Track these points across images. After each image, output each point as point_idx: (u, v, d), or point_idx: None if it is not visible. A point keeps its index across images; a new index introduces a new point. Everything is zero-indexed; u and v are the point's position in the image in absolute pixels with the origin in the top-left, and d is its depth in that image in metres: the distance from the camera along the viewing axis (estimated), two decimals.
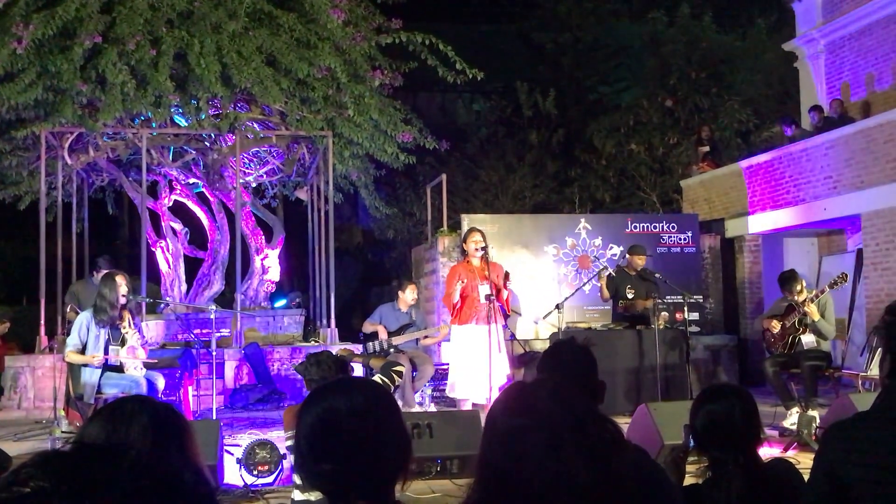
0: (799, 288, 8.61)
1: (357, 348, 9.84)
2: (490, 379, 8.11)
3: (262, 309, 12.62)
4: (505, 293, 8.79)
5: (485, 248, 8.64)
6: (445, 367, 10.28)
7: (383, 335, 9.26)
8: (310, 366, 5.03)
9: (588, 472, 1.69)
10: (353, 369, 5.68)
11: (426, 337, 9.59)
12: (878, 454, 2.32)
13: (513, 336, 10.65)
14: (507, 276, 8.89)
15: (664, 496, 2.19)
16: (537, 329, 11.83)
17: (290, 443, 4.79)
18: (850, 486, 2.35)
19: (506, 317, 9.00)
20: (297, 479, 4.58)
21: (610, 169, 18.15)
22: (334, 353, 5.17)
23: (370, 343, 9.36)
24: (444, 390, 9.80)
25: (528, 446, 1.72)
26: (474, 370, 8.55)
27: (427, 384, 9.43)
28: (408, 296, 9.43)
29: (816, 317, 8.40)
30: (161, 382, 7.66)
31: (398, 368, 8.43)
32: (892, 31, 14.00)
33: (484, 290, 8.54)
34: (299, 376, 5.43)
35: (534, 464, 1.71)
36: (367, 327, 9.52)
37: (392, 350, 9.24)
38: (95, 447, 1.20)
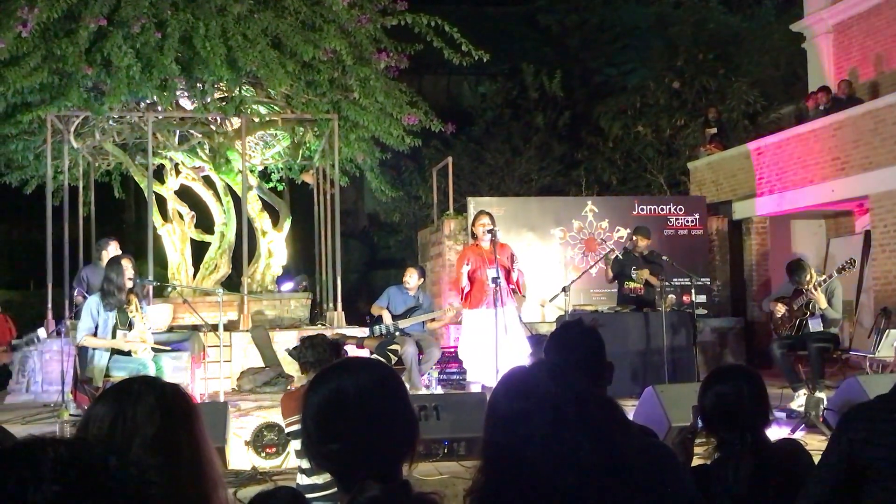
0: (808, 278, 8.57)
1: (364, 331, 9.85)
2: (497, 363, 8.08)
3: (269, 292, 12.65)
4: (515, 274, 8.79)
5: (493, 231, 8.61)
6: (453, 349, 10.30)
7: (388, 319, 9.28)
8: (304, 349, 5.07)
9: (592, 451, 1.69)
10: (346, 352, 5.71)
11: (433, 320, 9.59)
12: None
13: (520, 319, 10.66)
14: (513, 257, 8.90)
15: (672, 476, 2.19)
16: (544, 312, 11.83)
17: (292, 428, 4.79)
18: (868, 467, 2.36)
19: (523, 297, 9.04)
20: (302, 464, 4.58)
21: (617, 151, 18.10)
22: (328, 336, 5.18)
23: (376, 326, 9.37)
24: (448, 373, 9.81)
25: (531, 428, 1.72)
26: (484, 354, 8.54)
27: (434, 367, 9.43)
28: (409, 280, 9.43)
29: (824, 304, 8.37)
30: (169, 365, 7.68)
31: (393, 347, 8.48)
32: None
33: (491, 273, 8.52)
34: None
35: (538, 445, 1.71)
36: (375, 310, 9.52)
37: (398, 333, 9.25)
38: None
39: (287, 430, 4.82)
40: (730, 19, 18.78)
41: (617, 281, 10.31)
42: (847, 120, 11.90)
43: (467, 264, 8.70)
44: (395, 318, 9.34)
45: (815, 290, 8.37)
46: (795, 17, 16.21)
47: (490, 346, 8.35)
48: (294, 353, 5.26)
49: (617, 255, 10.39)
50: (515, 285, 8.86)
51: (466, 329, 8.95)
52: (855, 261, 8.67)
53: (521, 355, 8.37)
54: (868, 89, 14.19)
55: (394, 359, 8.54)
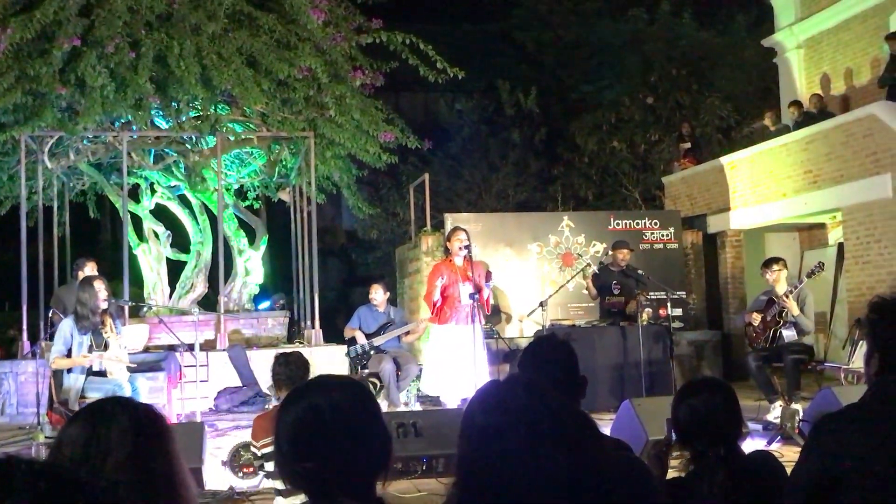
0: (777, 267, 8.62)
1: (342, 349, 9.84)
2: (476, 378, 8.07)
3: (246, 311, 12.59)
4: (486, 292, 8.78)
5: (468, 248, 8.60)
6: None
7: (362, 339, 9.27)
8: (278, 365, 5.09)
9: (567, 467, 1.70)
10: None
11: (407, 334, 9.59)
12: (870, 446, 2.33)
13: (497, 335, 10.66)
14: (488, 274, 8.92)
15: (644, 491, 2.20)
16: (522, 327, 11.85)
17: (267, 450, 4.73)
18: (840, 478, 2.36)
19: (485, 316, 8.99)
20: (276, 485, 4.55)
21: (592, 166, 18.22)
22: (302, 354, 5.21)
23: (352, 348, 9.37)
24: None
25: (505, 443, 1.72)
26: (450, 371, 8.54)
27: (412, 383, 9.43)
28: (377, 296, 9.45)
29: (796, 311, 8.43)
30: (145, 386, 7.63)
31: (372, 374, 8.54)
32: (870, 25, 14.10)
33: (466, 289, 8.53)
34: None
35: (512, 461, 1.71)
36: (347, 332, 9.53)
37: (373, 352, 9.23)
38: None
39: (260, 452, 4.77)
40: (703, 35, 19.00)
41: (599, 296, 10.37)
42: (818, 134, 12.04)
43: (442, 279, 8.69)
44: (368, 336, 9.33)
45: (787, 297, 8.43)
46: (767, 32, 16.43)
47: (459, 364, 8.36)
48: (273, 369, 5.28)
49: (594, 271, 10.44)
50: (484, 303, 8.84)
51: (434, 344, 8.95)
52: (823, 264, 8.74)
53: (483, 375, 8.35)
54: (839, 103, 14.38)
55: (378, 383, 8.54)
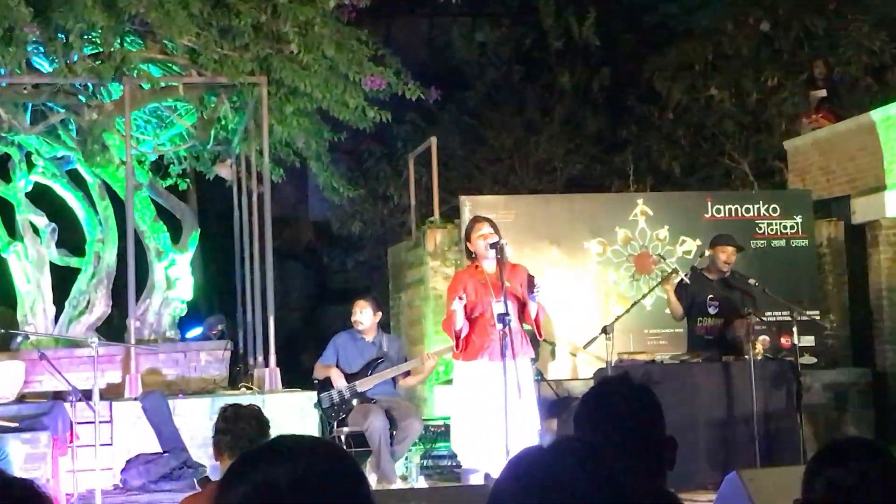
0: None
1: (311, 397, 9.84)
2: (507, 440, 8.03)
3: (169, 341, 12.60)
4: (533, 308, 8.72)
5: (498, 245, 8.53)
6: (442, 424, 10.27)
7: (340, 382, 9.25)
8: (222, 421, 5.09)
9: None
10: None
11: (407, 375, 9.56)
12: None
13: (539, 376, 10.63)
14: (531, 281, 8.78)
15: None
16: (575, 364, 11.82)
17: None
18: None
19: (535, 345, 8.97)
20: None
21: (680, 126, 18.13)
22: (257, 407, 5.22)
23: (325, 395, 9.34)
24: (436, 457, 9.78)
25: None
26: (486, 427, 8.48)
27: (414, 447, 9.41)
28: (363, 318, 9.44)
29: None
30: (19, 452, 7.64)
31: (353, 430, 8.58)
32: None
33: (497, 308, 8.46)
34: None
35: None
36: (319, 371, 9.51)
37: (357, 401, 9.21)
38: None
39: None
40: None
41: (687, 317, 10.34)
42: None
43: (461, 299, 8.59)
44: (350, 377, 9.32)
45: None
46: None
47: (495, 417, 8.29)
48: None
49: (682, 280, 10.39)
50: (533, 325, 8.82)
51: (461, 390, 8.89)
52: None
53: (532, 431, 8.33)
54: None
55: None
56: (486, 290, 8.64)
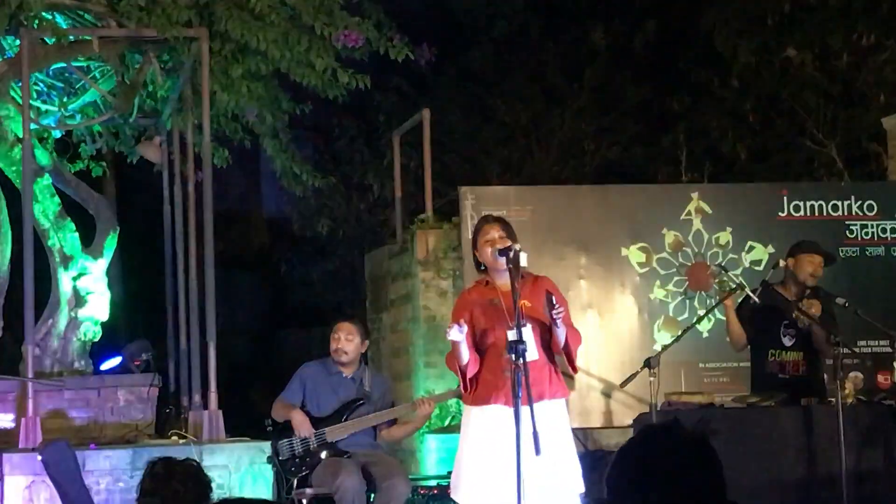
0: None
1: (265, 448, 9.83)
2: None
3: (78, 374, 12.58)
4: (560, 334, 8.50)
5: (511, 252, 8.39)
6: (437, 484, 10.27)
7: (304, 427, 9.23)
8: (148, 480, 5.08)
9: None
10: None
11: (393, 423, 9.54)
12: None
13: None
14: (549, 299, 8.51)
15: None
16: (610, 407, 11.80)
17: None
18: None
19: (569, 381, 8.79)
20: None
21: (748, 97, 18.17)
22: (196, 462, 5.20)
23: (283, 444, 9.32)
24: None
25: None
26: (500, 490, 8.37)
27: None
28: (349, 347, 9.42)
29: None
30: None
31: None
32: None
33: (510, 334, 8.35)
34: None
35: None
36: (279, 410, 9.48)
37: (325, 454, 9.19)
38: None
39: None
40: None
41: (752, 348, 10.35)
42: None
43: (460, 326, 8.41)
44: (318, 422, 9.30)
45: None
46: None
47: (507, 477, 8.22)
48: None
49: (752, 299, 10.36)
50: (566, 356, 8.62)
51: (469, 442, 8.76)
52: None
53: (570, 496, 8.23)
54: None
55: None
56: (498, 313, 8.44)
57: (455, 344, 8.27)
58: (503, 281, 8.38)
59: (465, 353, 8.35)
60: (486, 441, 8.45)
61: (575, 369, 8.66)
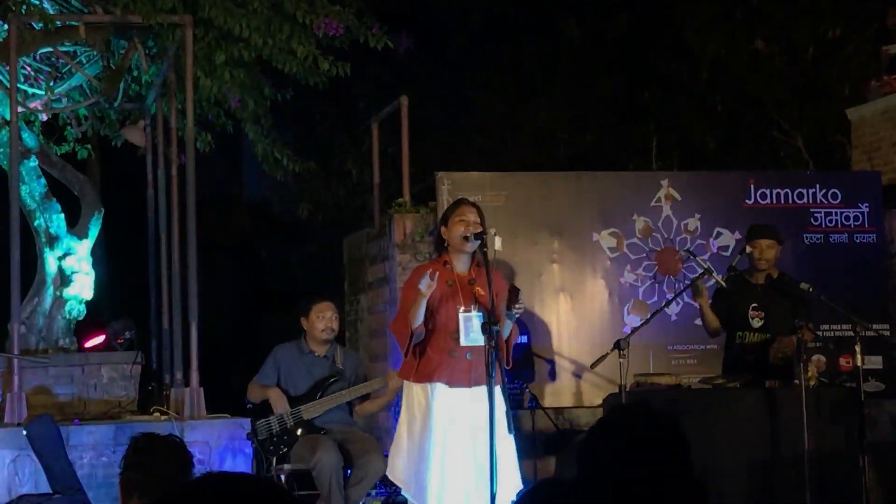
0: None
1: (244, 425, 9.84)
2: (492, 494, 7.84)
3: (63, 352, 12.57)
4: (507, 327, 8.28)
5: (482, 235, 8.35)
6: None
7: (281, 406, 9.24)
8: (134, 454, 5.10)
9: None
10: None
11: (367, 398, 9.55)
12: None
13: (535, 402, 10.64)
14: (512, 293, 8.42)
15: None
16: (580, 387, 11.84)
17: None
18: None
19: (505, 374, 8.54)
20: None
21: (717, 89, 18.19)
22: (178, 438, 5.22)
23: (262, 423, 9.33)
24: (402, 503, 9.77)
25: None
26: (438, 473, 8.18)
27: (373, 491, 9.41)
28: (318, 326, 9.42)
29: None
30: None
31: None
32: None
33: (474, 317, 8.20)
34: None
35: None
36: (255, 392, 9.49)
37: (302, 431, 9.21)
38: None
39: None
40: None
41: (725, 329, 10.40)
42: None
43: (431, 280, 8.22)
44: (294, 401, 9.31)
45: None
46: None
47: (459, 460, 8.11)
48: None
49: (720, 284, 10.39)
50: (505, 349, 8.39)
51: (407, 419, 8.55)
52: None
53: (510, 486, 7.95)
54: None
55: None
56: (453, 294, 8.32)
57: (418, 302, 8.12)
58: (462, 266, 8.34)
59: (422, 315, 8.21)
60: (433, 424, 8.25)
61: (508, 363, 8.52)
